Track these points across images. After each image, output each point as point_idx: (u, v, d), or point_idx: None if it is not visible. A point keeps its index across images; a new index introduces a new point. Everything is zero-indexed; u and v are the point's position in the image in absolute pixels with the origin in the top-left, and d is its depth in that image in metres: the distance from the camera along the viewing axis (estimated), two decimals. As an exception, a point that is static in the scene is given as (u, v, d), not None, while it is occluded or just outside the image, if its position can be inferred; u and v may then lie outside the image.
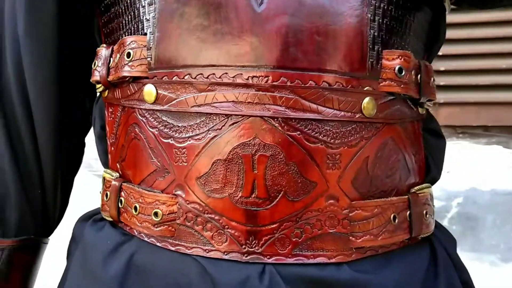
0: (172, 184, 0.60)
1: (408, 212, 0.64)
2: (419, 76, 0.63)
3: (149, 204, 0.62)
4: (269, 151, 0.57)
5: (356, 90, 0.58)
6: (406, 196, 0.64)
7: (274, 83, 0.56)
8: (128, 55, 0.62)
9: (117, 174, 0.67)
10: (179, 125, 0.59)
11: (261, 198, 0.57)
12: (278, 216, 0.57)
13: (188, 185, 0.59)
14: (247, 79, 0.57)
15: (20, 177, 0.74)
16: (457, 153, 2.18)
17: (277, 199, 0.57)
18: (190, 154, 0.59)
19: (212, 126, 0.58)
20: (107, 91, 0.68)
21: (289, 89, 0.56)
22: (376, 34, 0.59)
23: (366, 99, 0.58)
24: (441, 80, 2.13)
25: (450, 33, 2.10)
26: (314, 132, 0.57)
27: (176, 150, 0.60)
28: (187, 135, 0.59)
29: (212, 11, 0.58)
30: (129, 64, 0.62)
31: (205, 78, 0.58)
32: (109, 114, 0.69)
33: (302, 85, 0.56)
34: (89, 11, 0.73)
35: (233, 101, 0.57)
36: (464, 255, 0.84)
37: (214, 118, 0.58)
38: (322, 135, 0.57)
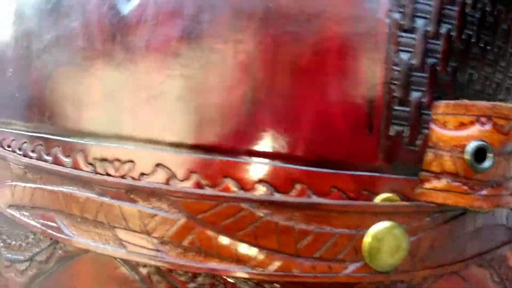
0: None
1: None
2: None
3: None
4: None
5: (351, 205, 0.22)
6: None
7: (132, 182, 0.24)
8: None
9: None
10: (8, 241, 0.31)
11: None
12: None
13: None
14: (91, 163, 0.25)
15: None
16: None
17: None
18: None
19: (36, 254, 0.28)
20: None
21: (173, 196, 0.23)
22: (416, 61, 0.23)
23: (379, 228, 0.22)
24: None
25: None
26: None
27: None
28: (9, 263, 0.30)
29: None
30: None
31: (31, 151, 0.28)
32: None
33: (205, 190, 0.23)
34: None
35: (61, 211, 0.26)
36: None
37: (39, 239, 0.28)
38: None
